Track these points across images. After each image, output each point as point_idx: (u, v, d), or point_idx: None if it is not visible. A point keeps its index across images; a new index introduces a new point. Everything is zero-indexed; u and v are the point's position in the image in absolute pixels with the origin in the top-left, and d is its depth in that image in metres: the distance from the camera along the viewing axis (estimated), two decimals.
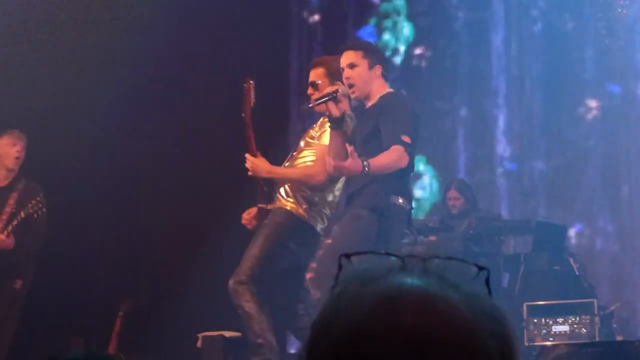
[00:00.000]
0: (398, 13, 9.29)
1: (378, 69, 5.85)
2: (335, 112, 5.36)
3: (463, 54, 9.02)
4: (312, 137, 5.97)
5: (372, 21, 9.36)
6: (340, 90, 5.42)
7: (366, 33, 9.35)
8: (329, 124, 5.52)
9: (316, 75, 6.07)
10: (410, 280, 1.24)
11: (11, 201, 7.12)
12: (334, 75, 6.04)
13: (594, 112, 8.31)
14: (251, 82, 6.01)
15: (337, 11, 9.39)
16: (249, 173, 5.94)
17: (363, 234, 5.60)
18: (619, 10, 8.44)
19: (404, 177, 5.70)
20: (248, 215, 6.14)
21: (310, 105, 5.68)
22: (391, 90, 5.97)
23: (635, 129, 8.23)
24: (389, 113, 5.77)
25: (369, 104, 5.86)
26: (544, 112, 8.65)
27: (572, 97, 8.54)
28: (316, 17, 9.47)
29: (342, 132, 5.42)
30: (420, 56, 9.19)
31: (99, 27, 7.89)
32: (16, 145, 7.22)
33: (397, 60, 9.26)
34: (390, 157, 5.56)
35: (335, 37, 9.19)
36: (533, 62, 8.69)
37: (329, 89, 5.50)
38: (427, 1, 9.18)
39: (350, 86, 5.70)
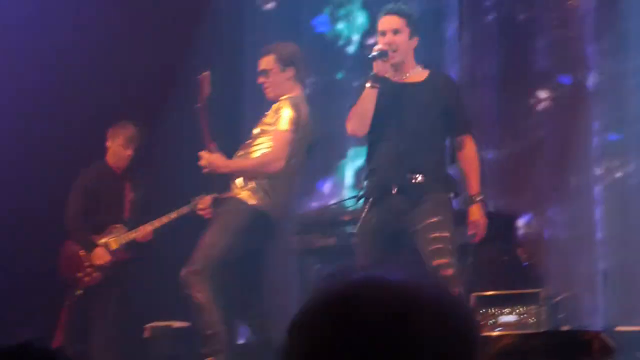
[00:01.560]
0: (351, 2, 9.30)
1: (415, 41, 5.78)
2: (382, 70, 5.44)
3: (417, 44, 9.04)
4: (268, 124, 5.98)
5: (327, 10, 9.36)
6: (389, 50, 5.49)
7: (320, 22, 9.35)
8: (369, 83, 5.51)
9: (267, 63, 6.09)
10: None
11: None
12: (286, 61, 6.06)
13: (545, 103, 8.38)
14: (206, 73, 6.02)
15: None
16: (205, 170, 5.94)
17: None
18: (570, 1, 8.52)
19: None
20: (203, 205, 6.15)
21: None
22: (433, 70, 5.94)
23: (584, 120, 8.32)
24: (460, 99, 5.86)
25: (410, 78, 5.74)
26: (495, 103, 8.71)
27: (523, 88, 8.61)
28: (270, 5, 9.46)
29: (376, 93, 5.48)
30: (374, 45, 9.20)
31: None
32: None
33: (351, 50, 9.28)
34: (475, 150, 5.76)
35: (290, 26, 9.19)
36: (485, 52, 8.75)
37: (380, 47, 5.53)
38: None
39: (394, 51, 5.59)
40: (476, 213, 5.66)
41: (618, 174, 8.24)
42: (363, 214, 5.50)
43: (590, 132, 8.29)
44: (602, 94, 8.30)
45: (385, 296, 1.33)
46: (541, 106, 8.56)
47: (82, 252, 7.08)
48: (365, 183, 5.65)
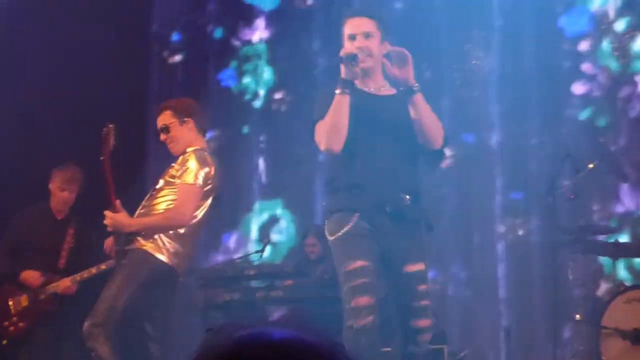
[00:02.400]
0: (259, 57, 9.33)
1: (386, 47, 5.10)
2: (350, 74, 4.87)
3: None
4: (173, 176, 5.91)
5: (233, 64, 9.37)
6: (359, 54, 4.93)
7: (227, 76, 9.35)
8: (338, 89, 4.88)
9: (164, 119, 6.04)
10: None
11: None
12: (182, 113, 6.02)
13: (448, 160, 8.47)
14: (111, 125, 5.94)
15: (198, 52, 9.37)
16: (109, 229, 5.84)
17: None
18: (474, 61, 8.66)
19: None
20: (108, 246, 6.06)
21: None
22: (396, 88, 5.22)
23: (487, 178, 8.43)
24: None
25: (384, 91, 5.13)
26: None
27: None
28: (177, 58, 9.44)
29: (348, 100, 4.90)
30: (280, 100, 9.24)
31: None
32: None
33: (257, 104, 9.29)
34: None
35: (196, 79, 9.18)
36: None
37: (349, 50, 4.96)
38: (289, 46, 9.24)
39: (367, 55, 5.00)
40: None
41: (520, 232, 8.36)
42: (348, 226, 4.94)
43: (493, 190, 8.40)
44: (505, 153, 8.44)
45: (269, 355, 1.30)
46: (445, 164, 8.65)
47: (10, 301, 6.92)
48: (342, 196, 5.02)
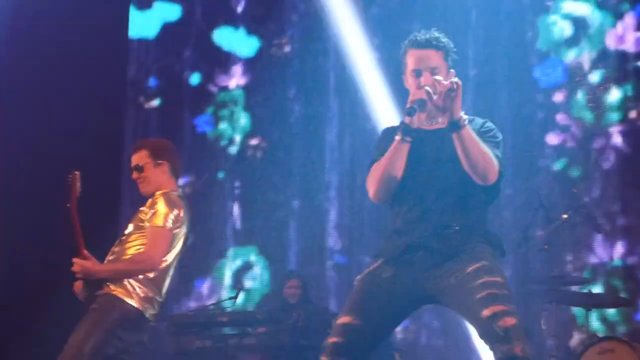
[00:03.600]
0: (235, 103, 9.34)
1: (451, 77, 4.51)
2: (415, 120, 4.39)
3: (297, 147, 9.11)
4: (142, 220, 5.87)
5: (210, 109, 9.38)
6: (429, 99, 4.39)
7: (203, 121, 9.35)
8: (399, 135, 4.40)
9: (140, 158, 6.00)
10: None
11: None
12: (159, 155, 5.99)
13: None
14: (77, 172, 5.89)
15: (174, 98, 9.38)
16: (78, 276, 5.78)
17: None
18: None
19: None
20: (78, 288, 6.00)
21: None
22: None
23: None
24: (498, 143, 4.64)
25: (440, 123, 4.56)
26: (373, 207, 8.79)
27: None
28: (153, 103, 9.44)
29: (407, 148, 4.42)
30: (256, 147, 9.24)
31: None
32: None
33: (233, 150, 9.29)
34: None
35: (172, 124, 9.17)
36: (364, 156, 8.85)
37: (418, 96, 4.40)
38: (264, 93, 9.27)
39: (436, 95, 4.39)
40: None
41: None
42: (370, 267, 4.53)
43: None
44: None
45: None
46: None
47: None
48: (380, 244, 4.64)
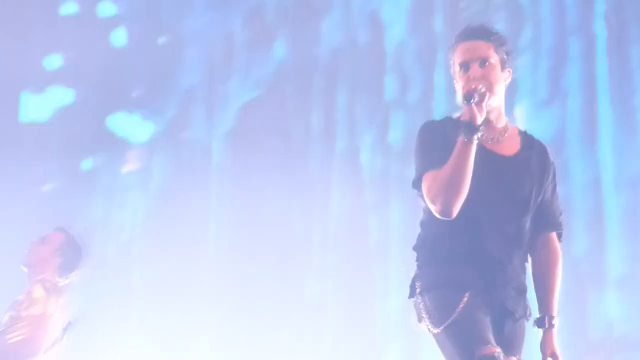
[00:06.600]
0: (128, 188, 9.28)
1: (508, 76, 4.16)
2: (472, 115, 3.89)
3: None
4: (19, 310, 5.76)
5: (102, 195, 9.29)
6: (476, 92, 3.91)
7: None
8: (462, 135, 3.89)
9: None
10: None
11: None
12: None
13: None
14: None
15: (66, 183, 9.30)
16: None
17: None
18: None
19: None
20: None
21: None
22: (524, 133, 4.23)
23: None
24: (555, 180, 4.23)
25: (502, 146, 4.09)
26: None
27: None
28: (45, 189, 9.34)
29: (473, 149, 3.90)
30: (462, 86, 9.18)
31: None
32: None
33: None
34: (560, 255, 4.21)
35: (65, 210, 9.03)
36: None
37: (466, 90, 3.95)
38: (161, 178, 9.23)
39: (484, 91, 3.94)
40: (553, 343, 4.12)
41: None
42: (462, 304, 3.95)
43: None
44: None
45: None
46: None
47: None
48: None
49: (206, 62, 9.23)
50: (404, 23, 8.93)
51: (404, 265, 5.35)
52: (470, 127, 3.86)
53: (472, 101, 3.87)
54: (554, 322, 4.09)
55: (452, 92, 4.24)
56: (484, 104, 3.90)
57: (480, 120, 3.87)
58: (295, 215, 8.59)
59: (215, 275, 8.59)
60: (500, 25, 7.36)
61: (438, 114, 6.98)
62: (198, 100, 9.28)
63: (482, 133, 3.90)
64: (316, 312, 8.32)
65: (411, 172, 4.10)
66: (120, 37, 9.47)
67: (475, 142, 3.87)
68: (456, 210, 3.89)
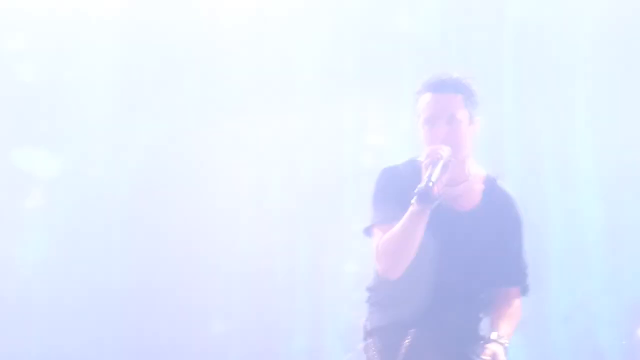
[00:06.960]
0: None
1: (477, 125, 3.90)
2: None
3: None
4: None
5: None
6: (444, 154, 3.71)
7: None
8: (415, 199, 3.64)
9: None
10: None
11: None
12: None
13: None
14: None
15: None
16: None
17: None
18: None
19: None
20: None
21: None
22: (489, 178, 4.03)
23: None
24: (518, 233, 4.03)
25: (464, 201, 3.92)
26: None
27: None
28: None
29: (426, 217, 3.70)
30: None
31: None
32: None
33: None
34: (518, 316, 4.00)
35: None
36: None
37: (432, 157, 3.69)
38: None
39: (453, 149, 3.75)
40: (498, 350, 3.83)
41: None
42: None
43: None
44: None
45: None
46: None
47: None
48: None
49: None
50: None
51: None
52: (426, 196, 3.63)
53: (434, 168, 3.66)
54: (502, 341, 3.84)
55: None
56: (446, 170, 3.69)
57: (437, 189, 3.63)
58: None
59: None
60: None
61: None
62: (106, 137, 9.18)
63: (437, 202, 3.67)
64: None
65: None
66: (26, 70, 9.34)
67: (426, 210, 3.67)
68: (399, 274, 3.77)
